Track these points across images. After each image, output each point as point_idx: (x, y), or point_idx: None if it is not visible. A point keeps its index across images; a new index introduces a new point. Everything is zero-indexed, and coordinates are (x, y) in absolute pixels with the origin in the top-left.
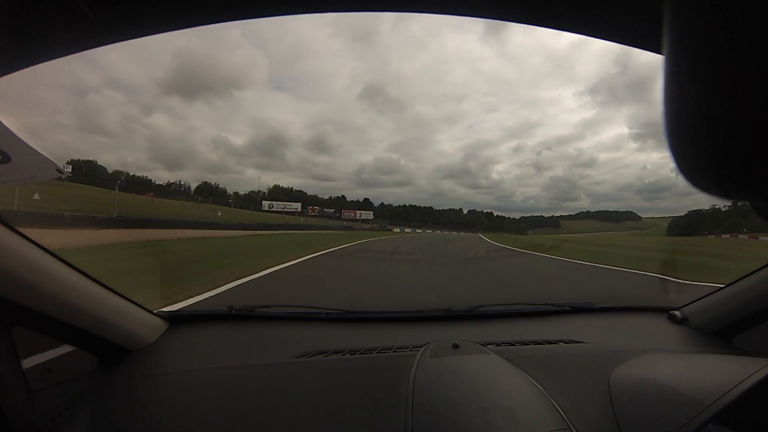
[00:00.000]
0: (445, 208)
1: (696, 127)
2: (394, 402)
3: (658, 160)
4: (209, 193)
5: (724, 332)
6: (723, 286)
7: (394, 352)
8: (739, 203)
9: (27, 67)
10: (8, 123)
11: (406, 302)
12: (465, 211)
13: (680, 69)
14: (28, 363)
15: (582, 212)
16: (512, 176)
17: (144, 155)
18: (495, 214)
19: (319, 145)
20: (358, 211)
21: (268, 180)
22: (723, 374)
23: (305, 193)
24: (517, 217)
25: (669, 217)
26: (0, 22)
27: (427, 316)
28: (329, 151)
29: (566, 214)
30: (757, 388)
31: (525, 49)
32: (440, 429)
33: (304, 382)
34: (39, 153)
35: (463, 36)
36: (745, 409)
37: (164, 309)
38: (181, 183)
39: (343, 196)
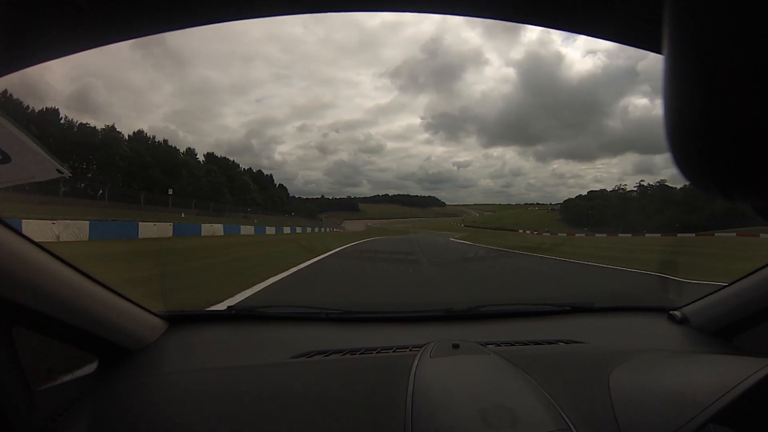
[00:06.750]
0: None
1: (696, 127)
2: (394, 402)
3: (442, 153)
4: None
5: (724, 332)
6: (723, 286)
7: (394, 352)
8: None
9: (27, 67)
10: (8, 123)
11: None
12: (242, 167)
13: (680, 69)
14: (28, 363)
15: (380, 195)
16: (295, 158)
17: None
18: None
19: (82, 103)
20: None
21: None
22: (723, 374)
23: None
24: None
25: (476, 205)
26: (0, 22)
27: (427, 316)
28: (96, 112)
29: (362, 197)
30: (757, 388)
31: (334, 19)
32: (440, 429)
33: (305, 382)
34: (39, 153)
35: None
36: (745, 409)
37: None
38: None
39: None
